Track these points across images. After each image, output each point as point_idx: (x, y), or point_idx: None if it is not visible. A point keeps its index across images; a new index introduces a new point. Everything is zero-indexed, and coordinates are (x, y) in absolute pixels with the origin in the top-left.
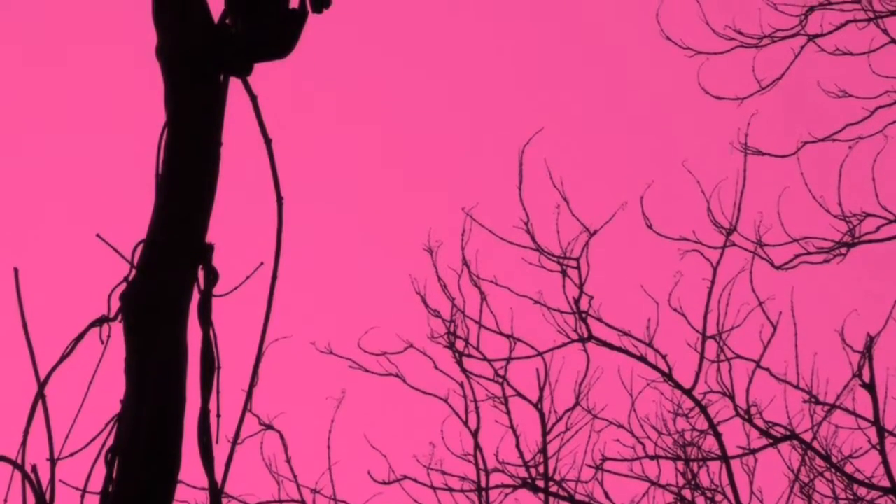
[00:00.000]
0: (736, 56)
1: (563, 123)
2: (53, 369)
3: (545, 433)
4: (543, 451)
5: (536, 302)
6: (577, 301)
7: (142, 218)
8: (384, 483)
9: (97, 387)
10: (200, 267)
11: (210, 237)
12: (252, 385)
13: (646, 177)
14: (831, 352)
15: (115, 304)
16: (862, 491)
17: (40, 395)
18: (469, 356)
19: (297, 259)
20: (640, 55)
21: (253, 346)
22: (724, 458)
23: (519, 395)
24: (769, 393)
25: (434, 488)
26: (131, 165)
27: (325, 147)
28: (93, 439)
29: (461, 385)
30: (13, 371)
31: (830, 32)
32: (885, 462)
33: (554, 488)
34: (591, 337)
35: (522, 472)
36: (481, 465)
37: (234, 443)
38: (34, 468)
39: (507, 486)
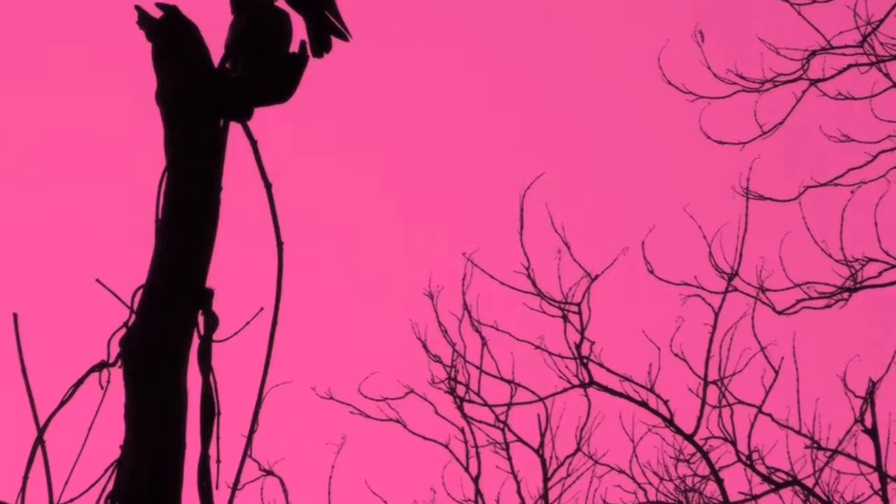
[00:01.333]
0: (737, 100)
1: (564, 168)
2: (53, 414)
3: (546, 479)
4: (545, 496)
5: (537, 347)
6: (578, 346)
7: (141, 263)
8: None
9: (97, 432)
10: (200, 312)
11: (210, 282)
12: (252, 430)
13: (647, 221)
14: (833, 397)
15: (115, 349)
16: None
17: (40, 440)
18: (470, 401)
19: (298, 304)
20: (641, 99)
21: (253, 391)
22: None
23: (520, 440)
24: (771, 438)
25: None
26: (131, 210)
27: (325, 192)
28: (92, 485)
29: (462, 430)
30: (13, 416)
31: (832, 77)
32: None
33: None
34: (592, 382)
35: None
36: None
37: (235, 488)
38: None
39: None
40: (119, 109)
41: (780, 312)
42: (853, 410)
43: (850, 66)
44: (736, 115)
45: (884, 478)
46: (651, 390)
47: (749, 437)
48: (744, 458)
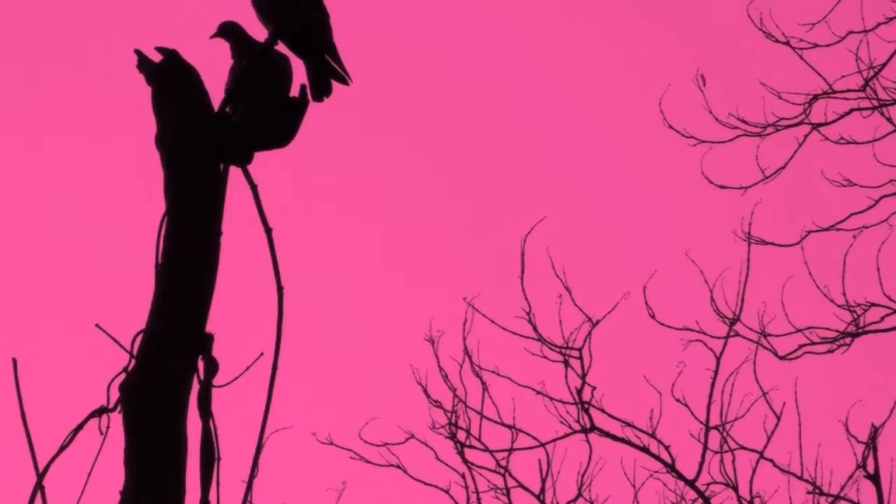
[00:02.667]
0: (739, 144)
1: (565, 213)
2: (52, 460)
3: None
4: None
5: (538, 392)
6: (579, 391)
7: (141, 308)
8: None
9: (96, 478)
10: (200, 357)
11: (210, 327)
12: (252, 476)
13: (648, 266)
14: (835, 442)
15: (115, 394)
16: None
17: (39, 486)
18: (471, 447)
19: (298, 349)
20: (642, 144)
21: (253, 436)
22: None
23: (521, 486)
24: (773, 484)
25: None
26: (130, 255)
27: (325, 236)
28: None
29: (463, 476)
30: (12, 461)
31: (835, 121)
32: None
33: None
34: (593, 427)
35: None
36: None
37: None
38: None
39: None
40: (118, 153)
41: (782, 357)
42: (855, 456)
43: (852, 111)
44: (737, 159)
45: None
46: (652, 436)
47: (751, 482)
48: (746, 503)
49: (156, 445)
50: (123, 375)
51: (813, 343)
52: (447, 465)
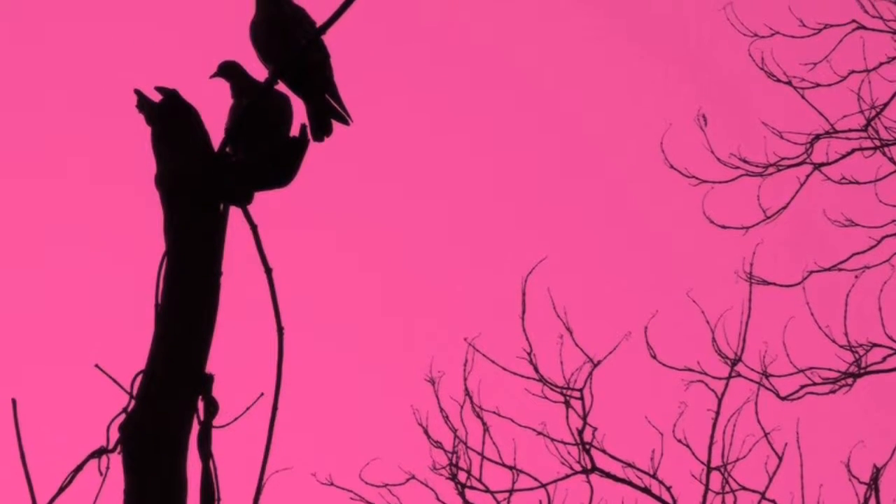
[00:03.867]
0: (741, 184)
1: (566, 253)
2: (52, 500)
3: None
4: None
5: (539, 433)
6: (580, 432)
7: (141, 348)
8: None
9: None
10: (200, 397)
11: (210, 367)
12: None
13: (650, 306)
14: (837, 483)
15: (115, 434)
16: None
17: None
18: (472, 488)
19: (298, 389)
20: (643, 183)
21: (253, 477)
22: None
23: None
24: None
25: None
26: (130, 295)
27: (326, 276)
28: None
29: None
30: (11, 502)
31: (836, 161)
32: None
33: None
34: (594, 468)
35: None
36: None
37: None
38: None
39: None
40: (118, 193)
41: (783, 398)
42: (857, 497)
43: (854, 151)
44: (739, 199)
45: None
46: (654, 476)
47: None
48: None
49: (155, 486)
50: (123, 416)
51: (815, 383)
52: None
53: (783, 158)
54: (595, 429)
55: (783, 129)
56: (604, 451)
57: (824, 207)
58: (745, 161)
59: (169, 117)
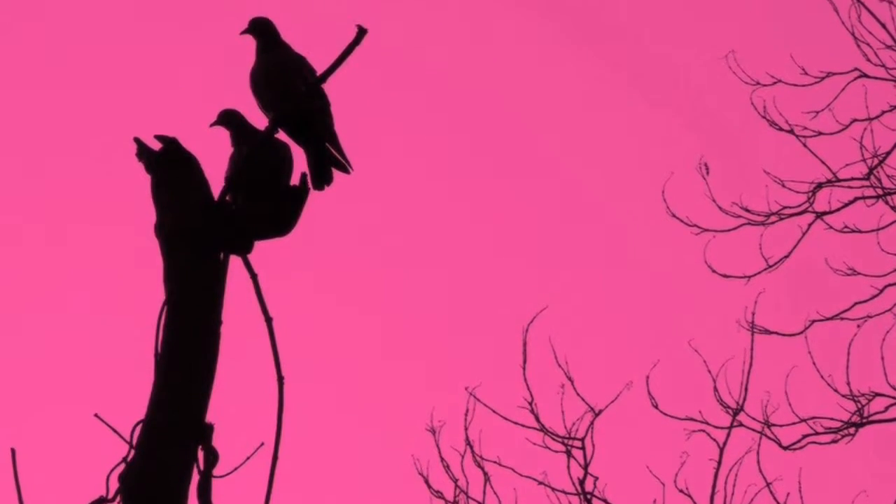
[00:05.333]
0: (743, 233)
1: (567, 302)
2: None
3: None
4: None
5: (541, 483)
6: (581, 482)
7: (140, 397)
8: None
9: None
10: (200, 447)
11: (210, 416)
12: None
13: (651, 356)
14: None
15: (114, 484)
16: None
17: None
18: None
19: (298, 439)
20: (645, 232)
21: None
22: None
23: None
24: None
25: None
26: (130, 344)
27: (326, 325)
28: None
29: None
30: None
31: (838, 210)
32: None
33: None
34: None
35: None
36: None
37: None
38: None
39: None
40: (117, 242)
41: (785, 448)
42: None
43: (856, 199)
44: (741, 248)
45: None
46: None
47: None
48: None
49: None
50: (123, 465)
51: (817, 433)
52: None
53: (785, 207)
54: (596, 478)
55: (785, 177)
56: (605, 501)
57: (826, 256)
58: (746, 210)
59: (169, 166)
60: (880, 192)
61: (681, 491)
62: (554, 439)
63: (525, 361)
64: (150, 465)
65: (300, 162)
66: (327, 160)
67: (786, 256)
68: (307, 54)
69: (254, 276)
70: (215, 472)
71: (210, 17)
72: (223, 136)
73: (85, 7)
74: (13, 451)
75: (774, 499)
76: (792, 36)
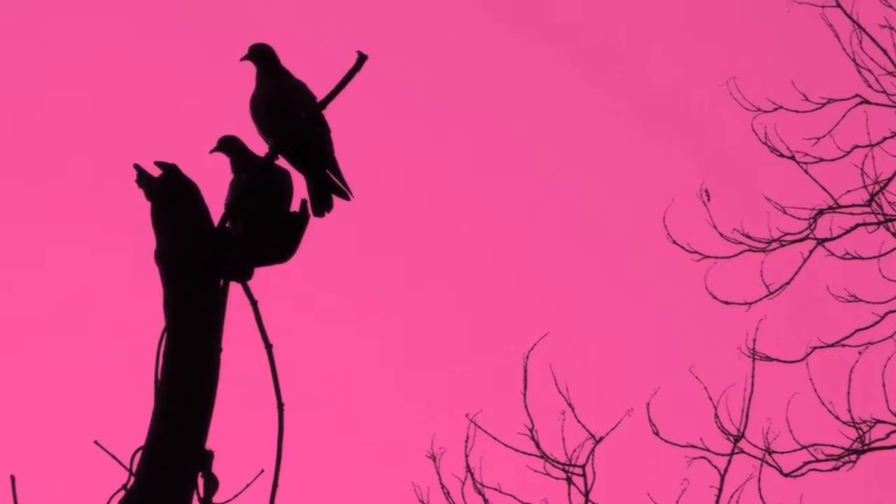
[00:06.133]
0: (744, 260)
1: (568, 328)
2: None
3: None
4: None
5: None
6: None
7: (140, 424)
8: None
9: None
10: (200, 474)
11: (210, 444)
12: None
13: (652, 383)
14: None
15: None
16: None
17: None
18: None
19: (299, 466)
20: (646, 259)
21: None
22: None
23: None
24: None
25: None
26: (129, 371)
27: (326, 352)
28: None
29: None
30: None
31: (840, 236)
32: None
33: None
34: None
35: None
36: None
37: None
38: None
39: None
40: (117, 269)
41: (786, 475)
42: None
43: (857, 226)
44: (742, 274)
45: None
46: None
47: None
48: None
49: None
50: (122, 493)
51: (818, 460)
52: None
53: (786, 234)
54: None
55: (786, 204)
56: None
57: (828, 283)
58: (747, 236)
59: (168, 192)
60: (881, 218)
61: None
62: (555, 466)
63: (526, 388)
64: (150, 493)
65: (300, 188)
66: (328, 187)
67: (787, 283)
68: (307, 80)
69: (254, 303)
70: (215, 499)
71: (210, 44)
72: (223, 162)
73: (85, 33)
74: (13, 479)
75: None
76: (793, 62)
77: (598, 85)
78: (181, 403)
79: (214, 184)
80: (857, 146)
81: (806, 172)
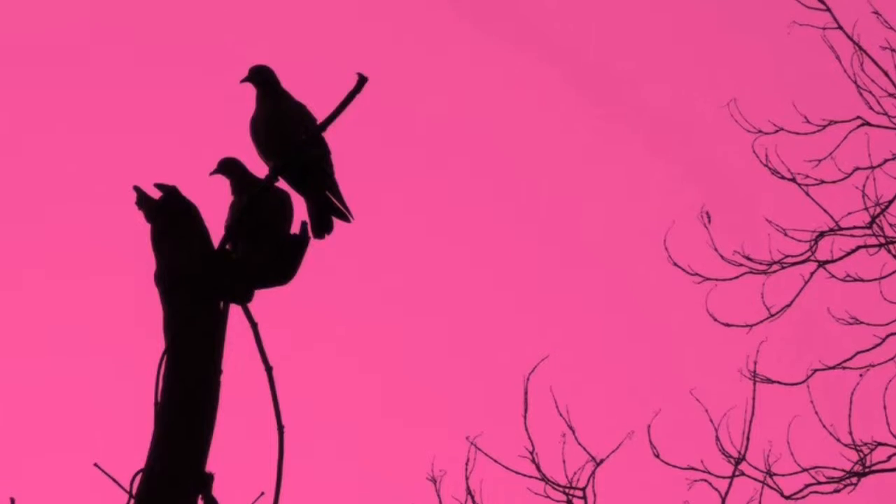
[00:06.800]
0: (745, 282)
1: (568, 351)
2: None
3: None
4: None
5: None
6: None
7: (140, 447)
8: None
9: None
10: (200, 497)
11: (210, 466)
12: None
13: (653, 405)
14: None
15: None
16: None
17: None
18: None
19: (299, 488)
20: (647, 281)
21: None
22: None
23: None
24: None
25: None
26: (129, 393)
27: (326, 374)
28: None
29: None
30: None
31: (841, 258)
32: None
33: None
34: None
35: None
36: None
37: None
38: None
39: None
40: (117, 291)
41: (787, 497)
42: None
43: (858, 248)
44: (743, 296)
45: None
46: None
47: None
48: None
49: None
50: None
51: (819, 483)
52: None
53: (787, 256)
54: None
55: (787, 226)
56: None
57: (829, 305)
58: (748, 258)
59: (168, 214)
60: (882, 240)
61: None
62: (555, 489)
63: (526, 410)
64: None
65: (300, 210)
66: (328, 208)
67: (788, 305)
68: (307, 102)
69: (254, 325)
70: None
71: (210, 65)
72: (223, 184)
73: (86, 54)
74: (12, 501)
75: None
76: (794, 84)
77: (600, 107)
78: (181, 426)
79: (214, 206)
80: (858, 168)
81: (807, 194)
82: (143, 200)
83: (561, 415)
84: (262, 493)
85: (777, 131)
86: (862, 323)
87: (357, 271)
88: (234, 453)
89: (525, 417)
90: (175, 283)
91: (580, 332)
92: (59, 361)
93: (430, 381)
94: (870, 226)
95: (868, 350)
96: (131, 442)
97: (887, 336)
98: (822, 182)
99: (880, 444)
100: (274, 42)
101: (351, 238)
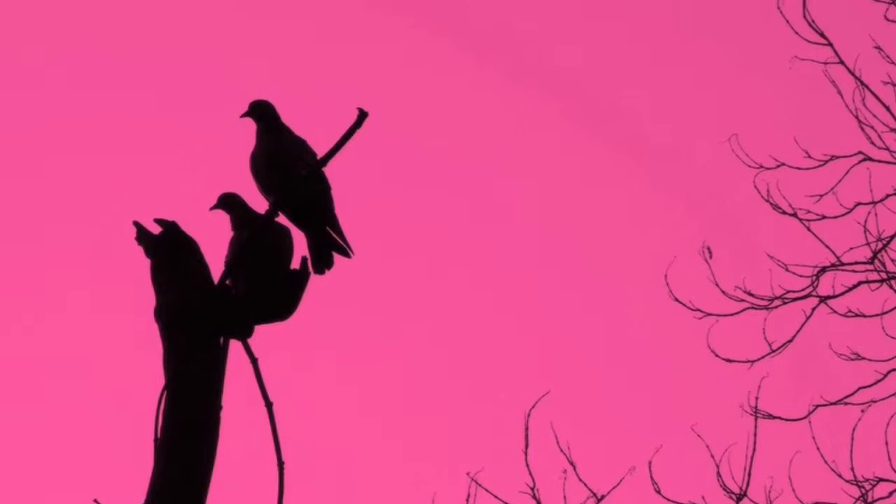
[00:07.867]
0: (746, 318)
1: (569, 386)
2: None
3: None
4: None
5: None
6: None
7: (140, 482)
8: None
9: None
10: None
11: (210, 502)
12: None
13: (654, 440)
14: None
15: None
16: None
17: None
18: None
19: None
20: (648, 317)
21: None
22: None
23: None
24: None
25: None
26: (129, 429)
27: (327, 410)
28: None
29: None
30: None
31: (842, 294)
32: None
33: None
34: None
35: None
36: None
37: None
38: None
39: None
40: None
41: None
42: None
43: (860, 283)
44: (744, 332)
45: None
46: None
47: None
48: None
49: None
50: None
51: None
52: None
53: (789, 291)
54: None
55: (789, 261)
56: None
57: (830, 341)
58: (750, 294)
59: (168, 249)
60: (884, 276)
61: None
62: None
63: (527, 446)
64: None
65: (301, 245)
66: (328, 244)
67: (789, 341)
68: (307, 136)
69: (254, 361)
70: None
71: (210, 100)
72: (223, 219)
73: (85, 89)
74: None
75: None
76: (795, 119)
77: (601, 142)
78: (181, 461)
79: (215, 241)
80: (859, 203)
81: (808, 230)
82: (143, 236)
83: (562, 450)
84: None
85: (778, 166)
86: (863, 359)
87: (357, 307)
88: (234, 489)
89: (526, 453)
90: (175, 319)
91: (581, 368)
92: (59, 396)
93: (430, 417)
94: (871, 261)
95: (870, 386)
96: (131, 477)
97: (889, 372)
98: (824, 217)
99: (882, 479)
100: (274, 77)
101: (351, 274)
